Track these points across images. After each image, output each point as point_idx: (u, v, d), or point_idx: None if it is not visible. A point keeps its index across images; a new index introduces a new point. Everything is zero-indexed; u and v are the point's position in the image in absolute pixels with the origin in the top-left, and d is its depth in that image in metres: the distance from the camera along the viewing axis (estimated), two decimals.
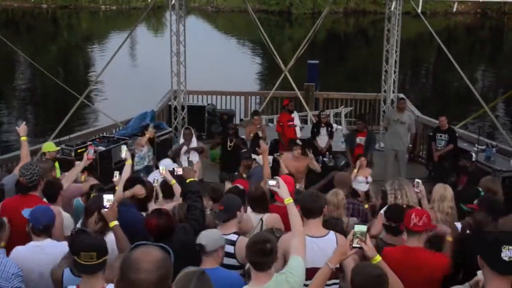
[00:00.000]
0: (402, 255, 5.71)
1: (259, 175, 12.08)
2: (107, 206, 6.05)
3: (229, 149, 13.84)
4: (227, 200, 6.62)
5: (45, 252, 5.94)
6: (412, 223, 5.96)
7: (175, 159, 13.19)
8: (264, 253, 4.87)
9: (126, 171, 8.28)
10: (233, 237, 6.29)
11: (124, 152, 8.64)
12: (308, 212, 5.88)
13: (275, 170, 11.88)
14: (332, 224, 6.57)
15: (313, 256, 5.71)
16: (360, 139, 14.34)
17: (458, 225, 7.20)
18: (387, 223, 6.65)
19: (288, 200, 5.66)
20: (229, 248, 6.11)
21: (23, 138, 8.54)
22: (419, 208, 7.03)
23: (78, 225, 7.16)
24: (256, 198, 7.30)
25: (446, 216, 7.68)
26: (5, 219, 6.05)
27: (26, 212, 6.17)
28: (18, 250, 6.07)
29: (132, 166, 10.61)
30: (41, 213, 6.17)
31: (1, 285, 5.52)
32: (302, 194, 6.10)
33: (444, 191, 7.91)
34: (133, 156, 12.32)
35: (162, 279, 3.10)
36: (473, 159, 13.45)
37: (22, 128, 8.61)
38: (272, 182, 5.82)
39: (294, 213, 5.57)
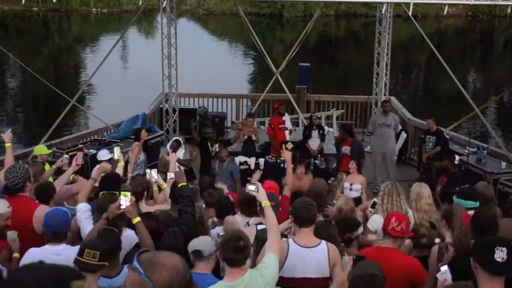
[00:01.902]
0: (376, 253, 5.70)
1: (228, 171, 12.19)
2: (124, 205, 6.05)
3: (212, 154, 13.78)
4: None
5: (61, 258, 5.79)
6: (391, 226, 6.02)
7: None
8: (237, 250, 4.90)
9: (119, 172, 8.26)
10: None
11: (117, 153, 8.62)
12: (300, 221, 5.86)
13: (266, 173, 11.87)
14: (323, 226, 6.56)
15: (304, 266, 5.73)
16: (345, 149, 14.27)
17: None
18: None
19: (265, 203, 5.74)
20: None
21: (8, 145, 8.50)
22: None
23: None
24: (245, 200, 7.30)
25: (423, 214, 7.66)
26: None
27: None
28: (32, 252, 6.01)
29: (126, 170, 10.62)
30: (51, 218, 6.14)
31: None
32: (295, 203, 6.10)
33: (420, 189, 7.90)
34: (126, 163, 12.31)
35: None
36: (456, 161, 13.42)
37: (7, 135, 8.58)
38: (251, 187, 5.87)
39: (269, 215, 5.63)
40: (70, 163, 8.77)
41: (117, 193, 6.65)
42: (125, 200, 6.05)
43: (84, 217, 7.03)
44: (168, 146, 13.77)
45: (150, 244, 5.85)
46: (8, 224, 6.57)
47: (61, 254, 5.90)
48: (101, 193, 7.41)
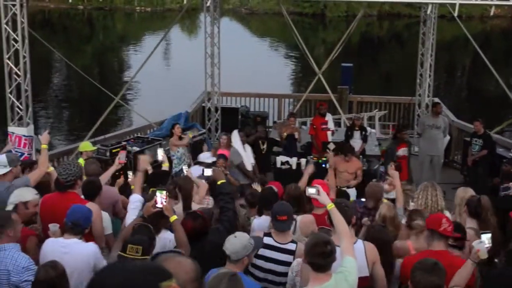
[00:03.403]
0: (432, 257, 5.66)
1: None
2: (160, 204, 6.08)
3: (263, 152, 13.97)
4: (287, 208, 6.50)
5: (68, 251, 5.96)
6: (443, 227, 5.94)
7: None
8: (325, 255, 4.92)
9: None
10: (291, 246, 6.21)
11: (161, 155, 8.69)
12: None
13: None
14: (377, 232, 6.57)
15: None
16: (403, 151, 13.70)
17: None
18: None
19: (330, 205, 5.70)
20: (288, 258, 6.10)
21: (44, 147, 8.58)
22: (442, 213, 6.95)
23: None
24: (295, 197, 7.29)
25: None
26: (13, 216, 6.07)
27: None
28: (46, 242, 6.17)
29: (171, 168, 10.72)
30: (74, 210, 6.25)
31: (12, 278, 5.58)
32: None
33: (464, 194, 7.75)
34: (169, 159, 12.45)
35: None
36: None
37: (44, 137, 8.67)
38: (312, 190, 5.81)
39: (338, 217, 5.59)
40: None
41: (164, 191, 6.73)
42: (161, 198, 6.08)
43: (132, 207, 7.16)
44: (238, 141, 13.74)
45: (186, 243, 5.87)
46: (36, 211, 6.71)
47: (67, 248, 5.98)
48: (151, 189, 7.52)
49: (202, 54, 17.67)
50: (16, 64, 11.60)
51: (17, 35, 11.44)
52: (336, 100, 18.99)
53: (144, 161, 8.08)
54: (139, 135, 16.23)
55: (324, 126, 15.63)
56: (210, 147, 15.86)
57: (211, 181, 8.39)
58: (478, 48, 16.60)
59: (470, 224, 6.86)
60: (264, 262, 6.10)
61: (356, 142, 15.11)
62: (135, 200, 7.21)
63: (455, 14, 15.14)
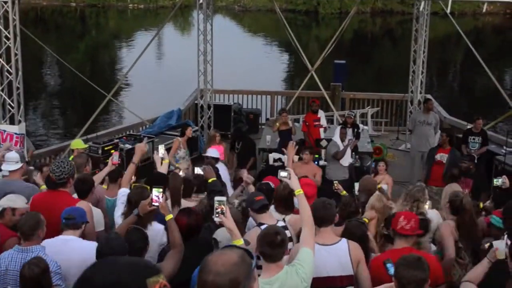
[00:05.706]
0: (393, 257, 5.52)
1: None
2: (157, 202, 6.03)
3: (236, 151, 14.10)
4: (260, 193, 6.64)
5: (69, 246, 5.97)
6: (399, 226, 5.92)
7: None
8: (275, 245, 4.84)
9: (163, 170, 8.30)
10: None
11: (162, 151, 8.63)
12: (319, 221, 5.74)
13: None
14: (353, 226, 6.58)
15: (325, 264, 5.67)
16: (441, 156, 12.97)
17: None
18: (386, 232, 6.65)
19: (299, 191, 5.63)
20: None
21: (43, 187, 8.42)
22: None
23: (119, 218, 7.11)
24: (283, 197, 7.19)
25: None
26: (41, 216, 6.05)
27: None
28: (45, 242, 6.09)
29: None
30: (69, 210, 6.27)
31: None
32: (314, 203, 6.01)
33: (449, 189, 7.88)
34: None
35: (232, 283, 3.01)
36: (475, 161, 13.23)
37: (39, 178, 8.73)
38: (283, 174, 5.75)
39: (303, 204, 5.52)
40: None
41: (148, 187, 6.68)
42: (157, 196, 6.05)
43: (121, 201, 7.12)
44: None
45: (180, 243, 5.83)
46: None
47: (69, 242, 6.00)
48: (133, 184, 7.48)
49: (195, 52, 17.66)
50: (8, 61, 11.55)
51: (9, 33, 11.39)
52: (328, 97, 18.98)
53: (139, 150, 8.05)
54: (131, 132, 16.21)
55: (316, 123, 15.61)
56: (202, 144, 15.85)
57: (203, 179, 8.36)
58: (470, 45, 16.63)
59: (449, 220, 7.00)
60: None
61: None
62: (123, 194, 7.15)
63: (448, 11, 15.21)
